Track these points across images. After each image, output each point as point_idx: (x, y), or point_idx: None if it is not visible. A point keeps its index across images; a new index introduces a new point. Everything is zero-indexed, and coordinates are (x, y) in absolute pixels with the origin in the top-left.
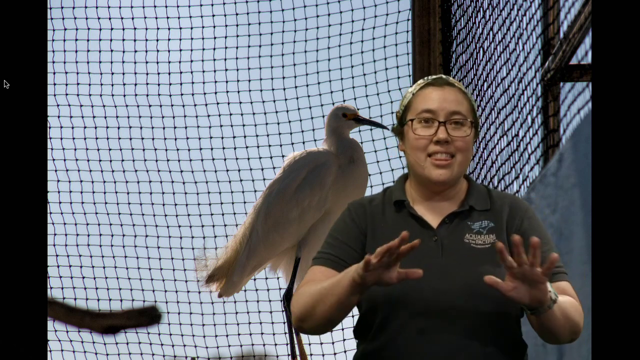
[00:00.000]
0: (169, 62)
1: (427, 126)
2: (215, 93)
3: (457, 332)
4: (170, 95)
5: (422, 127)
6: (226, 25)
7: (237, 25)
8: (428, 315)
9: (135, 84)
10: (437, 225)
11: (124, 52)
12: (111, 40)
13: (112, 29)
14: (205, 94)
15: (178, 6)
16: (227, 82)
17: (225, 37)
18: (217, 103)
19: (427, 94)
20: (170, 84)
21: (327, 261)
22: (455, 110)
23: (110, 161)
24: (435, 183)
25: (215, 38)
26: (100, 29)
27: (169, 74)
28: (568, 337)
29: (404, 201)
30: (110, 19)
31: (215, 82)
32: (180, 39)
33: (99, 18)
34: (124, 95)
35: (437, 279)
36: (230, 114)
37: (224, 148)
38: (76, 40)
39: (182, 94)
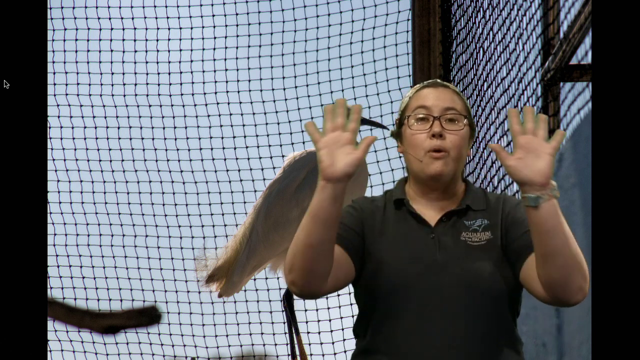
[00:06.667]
0: (169, 62)
1: (422, 122)
2: (215, 93)
3: (453, 328)
4: (170, 95)
5: (417, 123)
6: (226, 25)
7: (237, 25)
8: (425, 311)
9: (135, 84)
10: (435, 223)
11: (124, 52)
12: (111, 40)
13: (112, 29)
14: (205, 94)
15: (178, 6)
16: (227, 82)
17: (225, 37)
18: (217, 103)
19: (421, 93)
20: (170, 84)
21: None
22: (449, 106)
23: (110, 161)
24: (432, 177)
25: (215, 38)
26: (100, 29)
27: (169, 74)
28: (570, 268)
29: (404, 199)
30: (110, 19)
31: (215, 82)
32: (180, 39)
33: (99, 18)
34: (124, 95)
35: (434, 275)
36: (230, 114)
37: (224, 148)
38: (76, 40)
39: (182, 94)
